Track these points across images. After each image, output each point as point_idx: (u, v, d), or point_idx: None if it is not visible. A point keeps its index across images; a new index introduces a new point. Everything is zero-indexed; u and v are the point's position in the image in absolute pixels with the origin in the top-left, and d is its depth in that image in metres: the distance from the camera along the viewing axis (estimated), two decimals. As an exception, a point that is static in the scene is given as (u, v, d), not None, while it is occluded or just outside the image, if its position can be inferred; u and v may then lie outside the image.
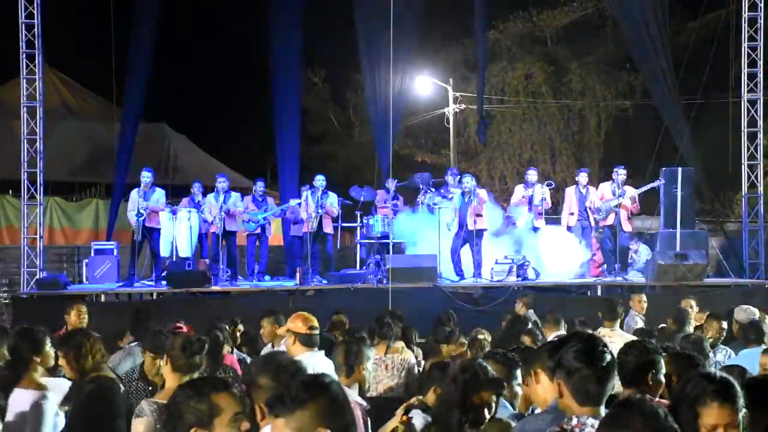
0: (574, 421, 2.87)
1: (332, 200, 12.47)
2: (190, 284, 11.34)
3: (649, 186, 12.38)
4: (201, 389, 2.50)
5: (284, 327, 4.76)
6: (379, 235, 12.35)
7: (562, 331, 6.09)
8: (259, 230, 12.72)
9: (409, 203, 13.71)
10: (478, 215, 11.80)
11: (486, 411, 3.51)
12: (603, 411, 2.82)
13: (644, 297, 9.32)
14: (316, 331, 4.65)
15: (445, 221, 11.97)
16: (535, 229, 12.37)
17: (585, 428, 2.82)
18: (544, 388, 3.25)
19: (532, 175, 12.77)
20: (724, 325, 7.08)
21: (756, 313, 7.31)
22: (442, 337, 6.59)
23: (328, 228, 12.50)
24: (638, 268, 12.88)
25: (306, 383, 2.31)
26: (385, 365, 5.99)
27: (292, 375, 3.00)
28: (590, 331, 4.68)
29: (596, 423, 2.78)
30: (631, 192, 12.08)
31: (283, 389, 2.31)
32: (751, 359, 5.06)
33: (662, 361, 3.74)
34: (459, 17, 18.36)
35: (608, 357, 2.91)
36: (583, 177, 12.52)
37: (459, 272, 11.99)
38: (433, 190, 13.26)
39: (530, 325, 6.83)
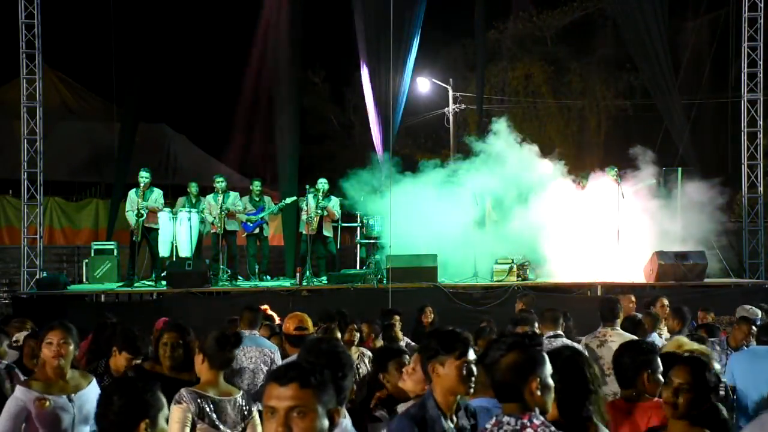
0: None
1: (334, 203, 12.47)
2: (190, 284, 11.34)
3: (641, 185, 12.31)
4: (145, 386, 2.55)
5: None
6: (378, 235, 12.34)
7: (559, 331, 6.02)
8: (257, 230, 12.72)
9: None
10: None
11: None
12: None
13: (633, 298, 8.76)
14: (305, 332, 4.69)
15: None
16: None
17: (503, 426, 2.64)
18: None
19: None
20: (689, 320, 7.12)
21: (758, 313, 7.29)
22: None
23: (327, 231, 12.49)
24: None
25: None
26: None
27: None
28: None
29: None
30: (625, 191, 12.03)
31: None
32: None
33: (658, 361, 3.70)
34: (459, 17, 18.36)
35: (496, 354, 2.70)
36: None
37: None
38: None
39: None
